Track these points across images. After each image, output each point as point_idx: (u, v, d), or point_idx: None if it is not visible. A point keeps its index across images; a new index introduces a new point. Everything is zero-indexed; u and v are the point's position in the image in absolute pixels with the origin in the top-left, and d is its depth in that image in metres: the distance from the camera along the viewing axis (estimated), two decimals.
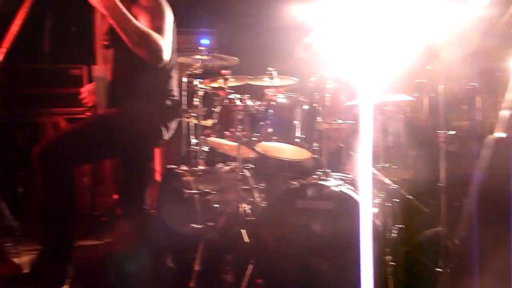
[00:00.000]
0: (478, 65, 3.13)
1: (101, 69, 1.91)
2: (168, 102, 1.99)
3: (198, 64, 3.00)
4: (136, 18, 1.81)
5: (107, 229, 3.26)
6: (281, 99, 2.66)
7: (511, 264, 1.12)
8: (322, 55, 2.70)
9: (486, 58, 3.00)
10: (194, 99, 3.08)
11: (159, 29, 1.82)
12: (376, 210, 2.20)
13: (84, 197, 3.74)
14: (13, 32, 1.97)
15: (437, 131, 2.42)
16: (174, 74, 2.05)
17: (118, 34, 1.76)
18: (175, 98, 2.04)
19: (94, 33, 1.97)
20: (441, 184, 2.35)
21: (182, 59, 3.02)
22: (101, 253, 2.90)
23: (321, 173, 2.31)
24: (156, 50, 1.77)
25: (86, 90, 2.09)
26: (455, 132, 2.43)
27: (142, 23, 1.81)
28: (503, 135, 1.15)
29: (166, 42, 1.83)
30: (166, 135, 2.03)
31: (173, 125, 2.06)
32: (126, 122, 1.90)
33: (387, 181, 2.47)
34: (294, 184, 2.29)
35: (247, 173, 2.80)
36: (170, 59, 1.98)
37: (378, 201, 2.37)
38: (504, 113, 1.15)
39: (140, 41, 1.74)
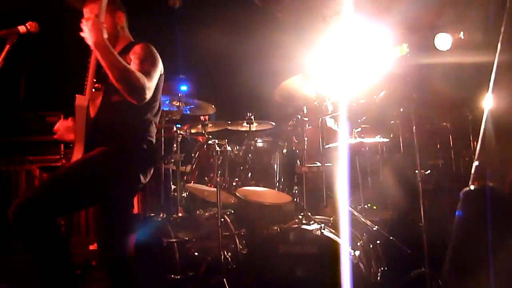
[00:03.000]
0: (448, 106, 3.26)
1: (84, 99, 1.90)
2: (146, 147, 1.98)
3: (177, 110, 3.02)
4: (128, 63, 1.89)
5: (81, 282, 3.11)
6: (259, 143, 2.68)
7: None
8: (298, 100, 2.77)
9: (454, 100, 3.13)
10: (173, 145, 3.07)
11: (146, 72, 1.88)
12: (358, 252, 2.19)
13: None
14: None
15: (414, 170, 2.46)
16: (155, 120, 2.06)
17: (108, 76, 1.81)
18: (153, 143, 2.03)
19: (87, 72, 1.98)
20: (421, 224, 2.35)
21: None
22: None
23: (302, 217, 2.29)
24: (137, 88, 1.82)
25: (61, 126, 2.05)
26: (429, 171, 2.48)
27: (132, 66, 1.87)
28: (472, 187, 1.18)
29: (150, 83, 1.88)
30: (144, 180, 2.00)
31: (151, 170, 2.04)
32: (104, 167, 1.87)
33: (367, 222, 2.47)
34: (275, 228, 2.27)
35: (228, 219, 2.76)
36: (154, 105, 2.00)
37: (360, 243, 2.35)
38: (475, 164, 1.19)
39: (122, 76, 1.80)
